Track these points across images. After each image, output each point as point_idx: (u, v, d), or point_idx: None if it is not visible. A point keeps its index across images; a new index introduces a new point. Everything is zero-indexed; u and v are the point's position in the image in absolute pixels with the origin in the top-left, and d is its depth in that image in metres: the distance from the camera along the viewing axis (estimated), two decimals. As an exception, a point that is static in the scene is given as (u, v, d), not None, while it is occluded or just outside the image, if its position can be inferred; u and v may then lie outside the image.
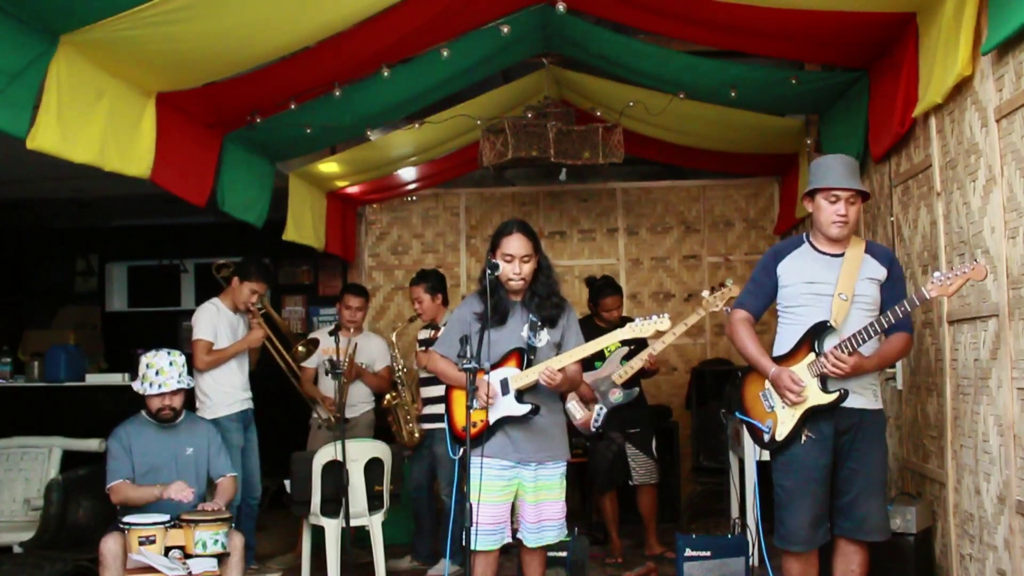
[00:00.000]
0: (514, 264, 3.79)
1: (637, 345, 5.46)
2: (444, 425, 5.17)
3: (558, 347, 3.85)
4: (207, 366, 5.14)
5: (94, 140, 3.68)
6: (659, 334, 3.75)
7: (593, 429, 5.43)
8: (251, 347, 5.32)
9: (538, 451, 3.80)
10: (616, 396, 5.43)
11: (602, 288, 5.79)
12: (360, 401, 5.76)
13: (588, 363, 5.51)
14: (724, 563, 4.51)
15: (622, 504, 5.76)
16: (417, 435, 5.59)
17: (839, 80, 5.04)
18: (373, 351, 5.79)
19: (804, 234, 3.72)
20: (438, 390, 5.29)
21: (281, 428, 5.73)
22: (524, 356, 3.79)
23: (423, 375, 5.44)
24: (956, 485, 3.90)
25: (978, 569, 3.66)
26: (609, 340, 3.76)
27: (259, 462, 5.38)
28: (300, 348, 5.52)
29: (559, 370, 3.67)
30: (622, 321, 5.35)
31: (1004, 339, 3.33)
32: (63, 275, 9.41)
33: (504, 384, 3.76)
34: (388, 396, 5.61)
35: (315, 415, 5.76)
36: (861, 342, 3.37)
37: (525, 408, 3.73)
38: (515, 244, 3.80)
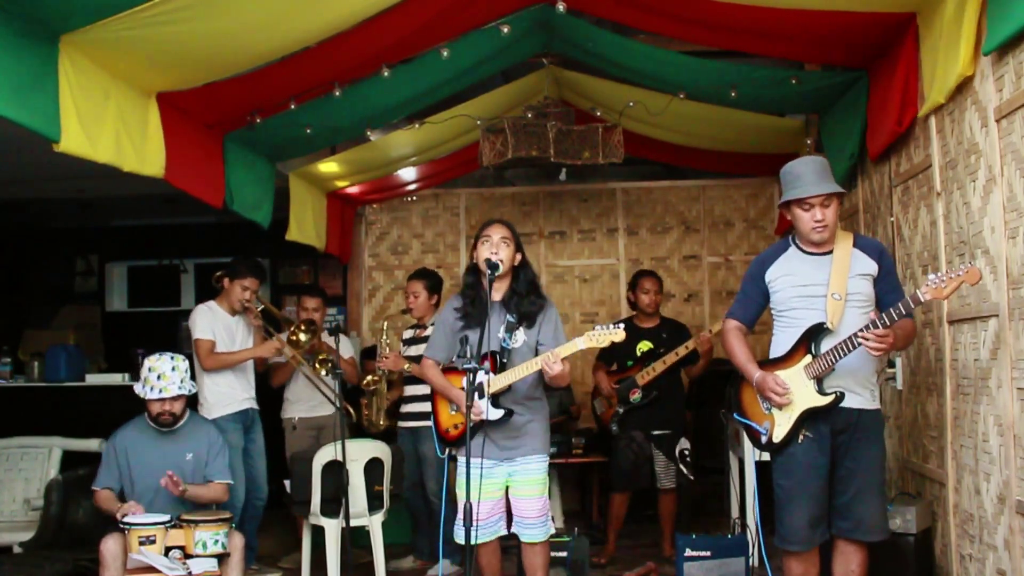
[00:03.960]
0: (489, 244, 3.86)
1: (666, 347, 5.46)
2: (428, 423, 5.25)
3: (536, 348, 3.89)
4: (213, 366, 5.12)
5: (110, 140, 3.70)
6: (613, 344, 3.77)
7: (610, 426, 5.48)
8: (263, 356, 5.30)
9: (517, 447, 3.89)
10: (635, 396, 5.44)
11: (636, 274, 5.78)
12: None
13: (620, 363, 5.57)
14: (724, 563, 4.51)
15: (634, 506, 5.68)
16: (383, 424, 5.59)
17: (839, 80, 5.04)
18: (340, 345, 5.74)
19: (790, 236, 3.70)
20: (422, 389, 5.31)
21: (281, 428, 5.72)
22: (497, 359, 3.84)
23: (401, 371, 5.45)
24: (956, 485, 3.90)
25: (978, 569, 3.66)
26: (571, 349, 3.73)
27: (265, 464, 5.38)
28: (302, 336, 5.49)
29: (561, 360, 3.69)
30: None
31: (1004, 339, 3.33)
32: (63, 275, 9.40)
33: (479, 388, 3.79)
34: (370, 377, 5.58)
35: (287, 416, 5.71)
36: (891, 321, 3.29)
37: (499, 413, 3.82)
38: (493, 229, 3.91)
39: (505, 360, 3.85)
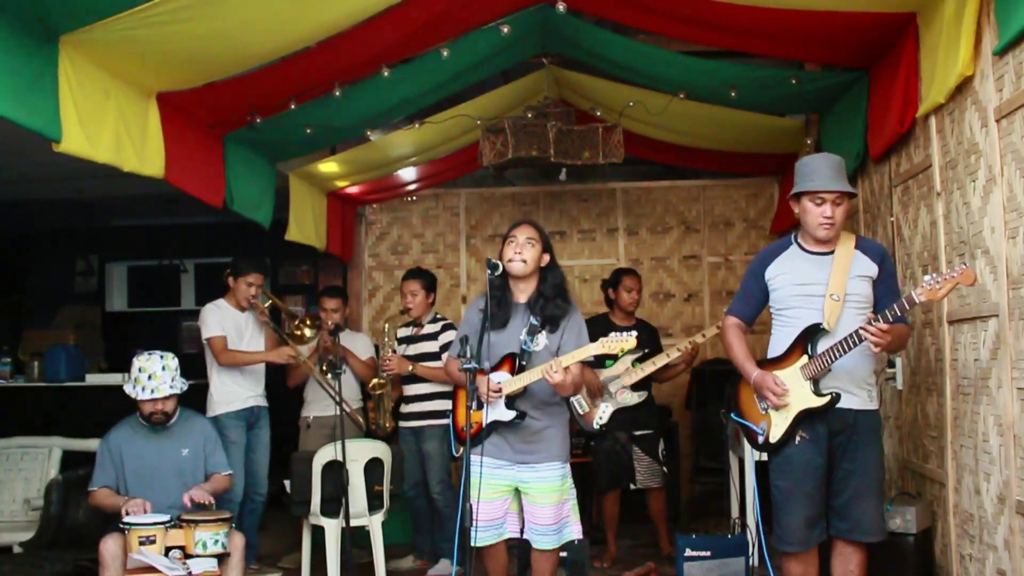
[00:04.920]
0: (514, 245, 3.81)
1: (651, 348, 5.45)
2: (431, 423, 5.25)
3: (557, 354, 3.81)
4: (228, 362, 5.17)
5: (111, 140, 3.70)
6: (624, 352, 3.73)
7: (596, 426, 5.44)
8: (275, 362, 5.34)
9: (532, 452, 3.82)
10: (624, 396, 5.43)
11: (617, 272, 5.77)
12: (348, 397, 5.70)
13: (599, 362, 5.53)
14: (724, 563, 4.51)
15: (628, 506, 5.68)
16: (389, 426, 5.60)
17: (839, 80, 5.04)
18: (357, 346, 5.77)
19: (792, 235, 3.71)
20: (422, 388, 5.33)
21: (281, 428, 5.72)
22: (516, 361, 3.79)
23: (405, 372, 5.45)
24: (956, 485, 3.90)
25: (978, 569, 3.66)
26: (582, 354, 3.66)
27: (268, 460, 5.40)
28: (307, 331, 5.50)
29: (564, 369, 3.62)
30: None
31: (1004, 339, 3.33)
32: (63, 275, 9.41)
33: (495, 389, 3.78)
34: (376, 380, 5.60)
35: (303, 415, 5.74)
36: (894, 316, 3.27)
37: (511, 414, 3.75)
38: (520, 228, 3.86)
39: (524, 363, 3.76)
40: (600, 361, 5.51)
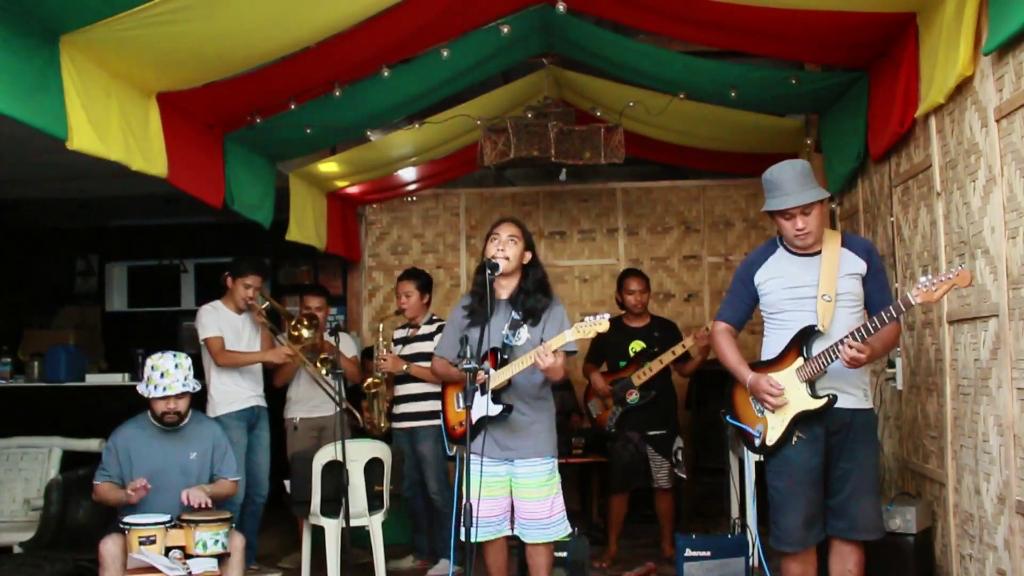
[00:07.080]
0: (497, 242, 3.88)
1: (660, 346, 5.45)
2: (424, 423, 5.28)
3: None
4: (226, 363, 5.16)
5: (118, 138, 3.71)
6: (604, 343, 3.75)
7: (608, 428, 5.47)
8: (271, 362, 5.34)
9: (520, 448, 3.86)
10: (632, 397, 5.42)
11: (621, 274, 5.80)
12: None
13: (612, 363, 5.55)
14: (724, 563, 4.51)
15: (628, 506, 5.68)
16: (384, 426, 5.60)
17: (839, 80, 5.04)
18: (342, 345, 5.74)
19: (776, 237, 3.70)
20: (414, 388, 5.33)
21: (277, 429, 5.71)
22: (499, 356, 3.83)
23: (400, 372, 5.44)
24: (956, 485, 3.90)
25: (978, 569, 3.66)
26: (560, 341, 3.66)
27: (268, 461, 5.39)
28: (304, 332, 5.50)
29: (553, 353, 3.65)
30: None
31: (1004, 339, 3.33)
32: (63, 275, 9.41)
33: (481, 385, 3.79)
34: (371, 379, 5.60)
35: (288, 416, 5.72)
36: (872, 331, 3.29)
37: (498, 408, 3.79)
38: (502, 227, 3.95)
39: (507, 356, 3.83)
40: (614, 364, 5.54)
